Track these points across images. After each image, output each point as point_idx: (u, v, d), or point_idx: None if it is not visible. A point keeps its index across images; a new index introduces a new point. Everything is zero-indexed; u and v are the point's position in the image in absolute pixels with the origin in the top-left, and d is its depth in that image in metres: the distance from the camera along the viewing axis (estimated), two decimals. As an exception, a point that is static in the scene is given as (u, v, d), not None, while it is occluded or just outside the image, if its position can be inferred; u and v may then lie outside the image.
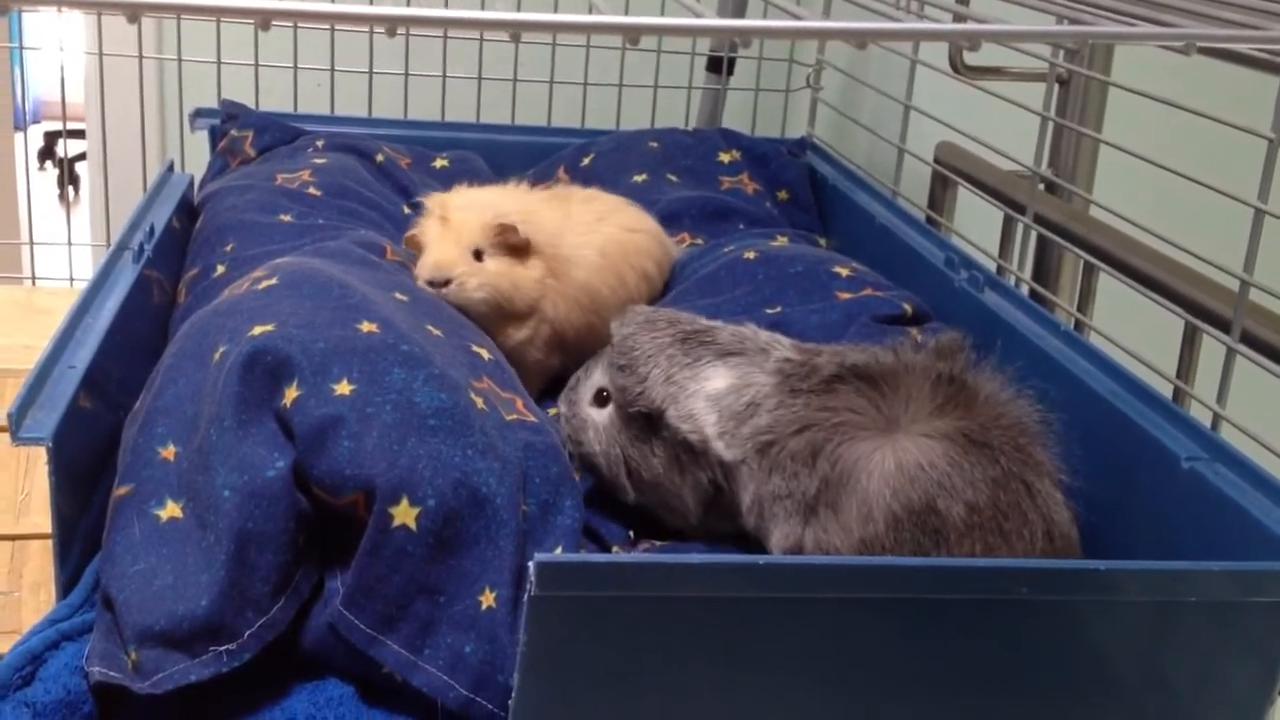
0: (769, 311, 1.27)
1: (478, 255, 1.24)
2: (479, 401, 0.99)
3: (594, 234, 1.35)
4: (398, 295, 1.12)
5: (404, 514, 0.89)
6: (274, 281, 1.08)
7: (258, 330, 0.98)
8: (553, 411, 1.17)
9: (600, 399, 1.08)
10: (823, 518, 0.93)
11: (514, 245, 1.26)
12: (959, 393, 0.95)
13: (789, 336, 1.13)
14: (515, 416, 1.03)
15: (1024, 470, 0.92)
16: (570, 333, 1.29)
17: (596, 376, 1.09)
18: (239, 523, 0.88)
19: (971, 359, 0.99)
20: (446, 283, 1.22)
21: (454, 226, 1.25)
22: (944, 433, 0.92)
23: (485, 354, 1.11)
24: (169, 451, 0.95)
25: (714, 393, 1.00)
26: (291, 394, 0.94)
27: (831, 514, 0.92)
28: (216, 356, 0.98)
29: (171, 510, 0.92)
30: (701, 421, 1.00)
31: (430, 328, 1.08)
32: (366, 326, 1.01)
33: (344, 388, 0.94)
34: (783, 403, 0.98)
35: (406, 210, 1.51)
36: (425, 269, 1.23)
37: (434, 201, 1.30)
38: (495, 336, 1.22)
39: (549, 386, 1.31)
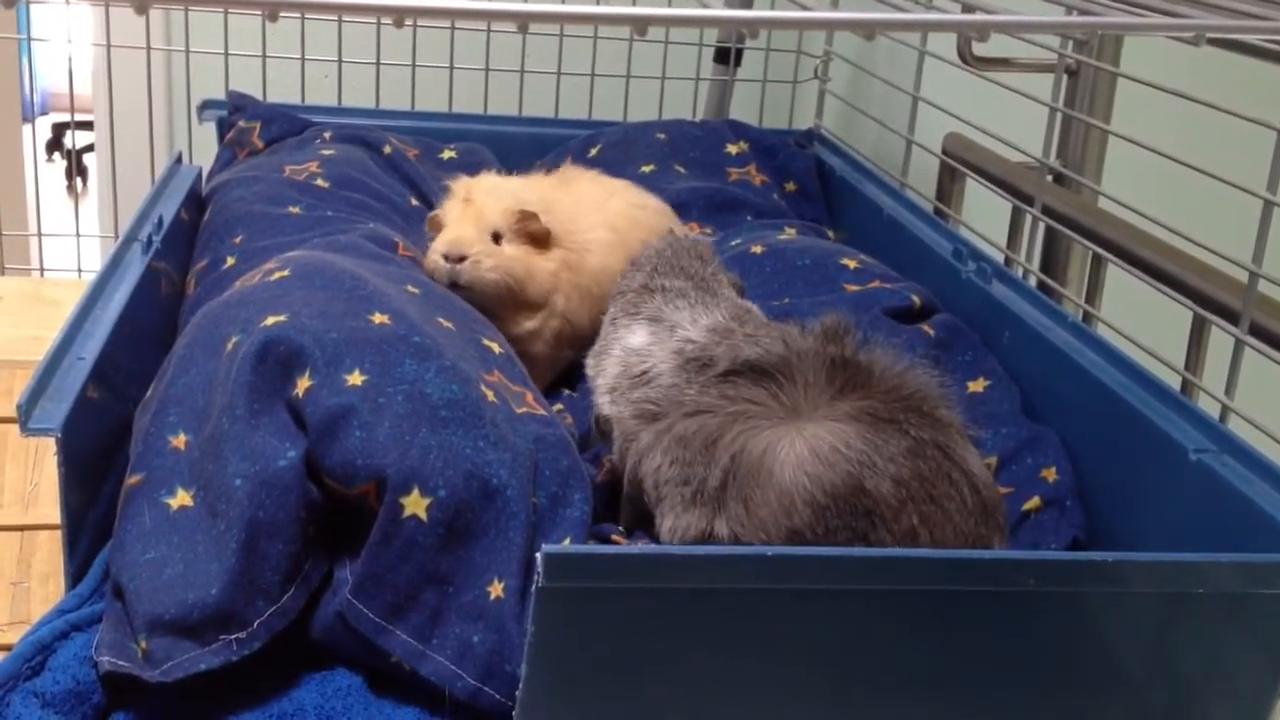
0: (776, 303, 1.27)
1: (496, 239, 1.24)
2: (490, 394, 0.99)
3: (603, 211, 1.35)
4: (409, 288, 1.13)
5: (415, 504, 0.89)
6: (286, 273, 1.09)
7: (270, 320, 0.98)
8: (557, 408, 1.18)
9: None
10: (734, 511, 0.91)
11: (534, 233, 1.26)
12: (855, 374, 0.94)
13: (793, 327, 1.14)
14: (525, 409, 1.03)
15: (935, 434, 0.91)
16: (579, 326, 1.30)
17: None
18: (250, 512, 0.89)
19: (858, 338, 0.98)
20: (461, 259, 1.22)
21: (475, 208, 1.25)
22: (848, 414, 0.91)
23: (496, 347, 1.12)
24: (180, 440, 0.95)
25: (629, 347, 1.02)
26: (304, 384, 0.94)
27: (743, 508, 0.90)
28: (229, 346, 0.99)
29: (182, 499, 0.92)
30: (603, 371, 1.03)
31: (442, 320, 1.08)
32: (378, 318, 1.01)
33: (356, 378, 0.94)
34: (676, 384, 0.99)
35: (414, 202, 1.51)
36: (442, 244, 1.23)
37: (460, 184, 1.31)
38: (504, 324, 1.23)
39: (556, 379, 1.31)
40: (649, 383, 1.00)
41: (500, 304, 1.24)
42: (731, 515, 0.91)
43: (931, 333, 1.22)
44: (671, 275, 1.10)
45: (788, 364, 0.95)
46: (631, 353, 1.03)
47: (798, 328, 1.01)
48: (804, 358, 0.95)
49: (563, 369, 1.31)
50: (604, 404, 1.03)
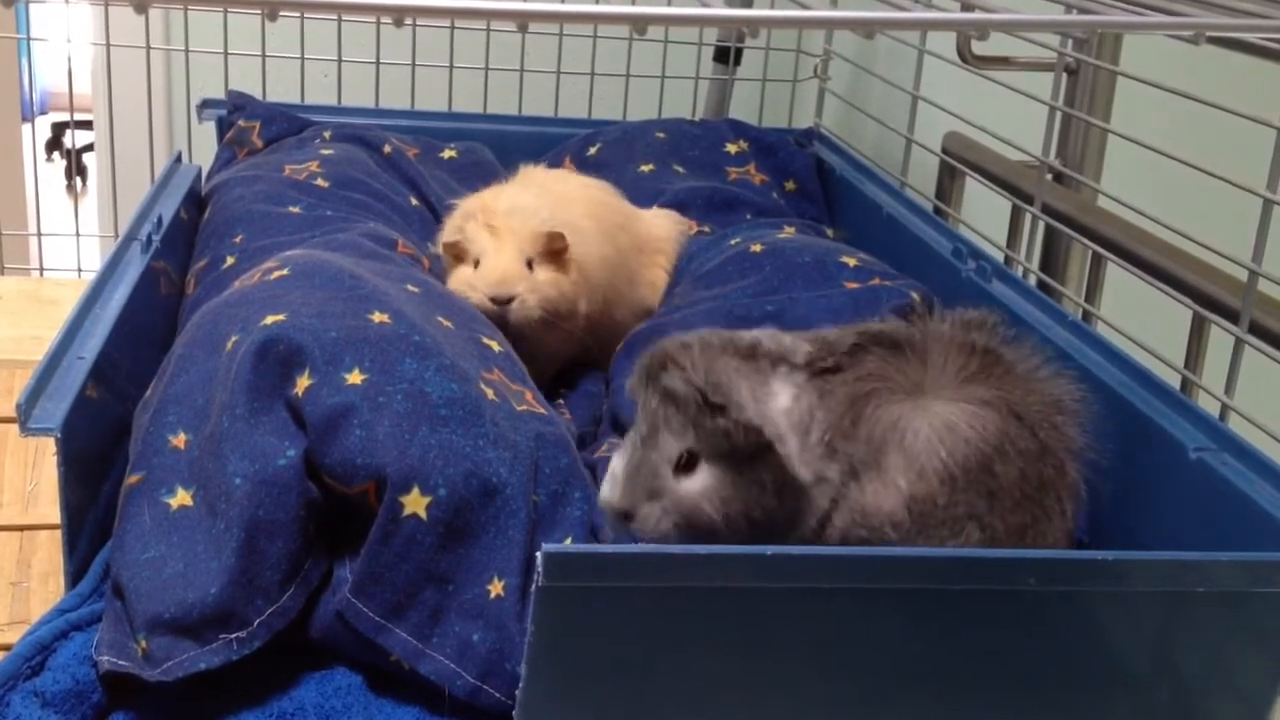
0: (775, 299, 1.27)
1: (529, 264, 1.24)
2: (490, 392, 0.99)
3: (574, 203, 1.35)
4: (409, 287, 1.13)
5: (415, 503, 0.89)
6: (285, 272, 1.09)
7: (270, 319, 0.98)
8: (557, 402, 1.17)
9: (685, 465, 0.89)
10: (864, 480, 0.89)
11: (557, 250, 1.25)
12: (993, 364, 0.93)
13: (794, 323, 1.13)
14: (525, 407, 1.03)
15: (1058, 448, 0.90)
16: (592, 317, 1.31)
17: (667, 446, 0.89)
18: (250, 511, 0.89)
19: (1004, 334, 0.96)
20: (510, 300, 1.21)
21: (505, 236, 1.23)
22: (982, 399, 0.90)
23: (495, 345, 1.12)
24: (179, 439, 0.95)
25: (784, 408, 0.90)
26: (303, 383, 0.94)
27: (874, 474, 0.88)
28: (229, 345, 0.99)
29: (182, 498, 0.92)
30: (790, 448, 0.89)
31: (441, 319, 1.08)
32: (378, 317, 1.01)
33: (356, 377, 0.94)
34: (823, 391, 0.92)
35: (414, 202, 1.51)
36: (488, 285, 1.22)
37: (474, 205, 1.29)
38: (535, 345, 1.23)
39: (556, 378, 1.32)
40: (813, 419, 0.90)
41: (539, 331, 1.24)
42: (861, 484, 0.89)
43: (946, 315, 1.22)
44: (730, 340, 0.95)
45: (919, 341, 0.93)
46: (790, 408, 0.90)
47: (924, 313, 0.99)
48: (939, 339, 0.93)
49: (569, 361, 1.33)
50: (798, 470, 0.89)
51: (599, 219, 1.35)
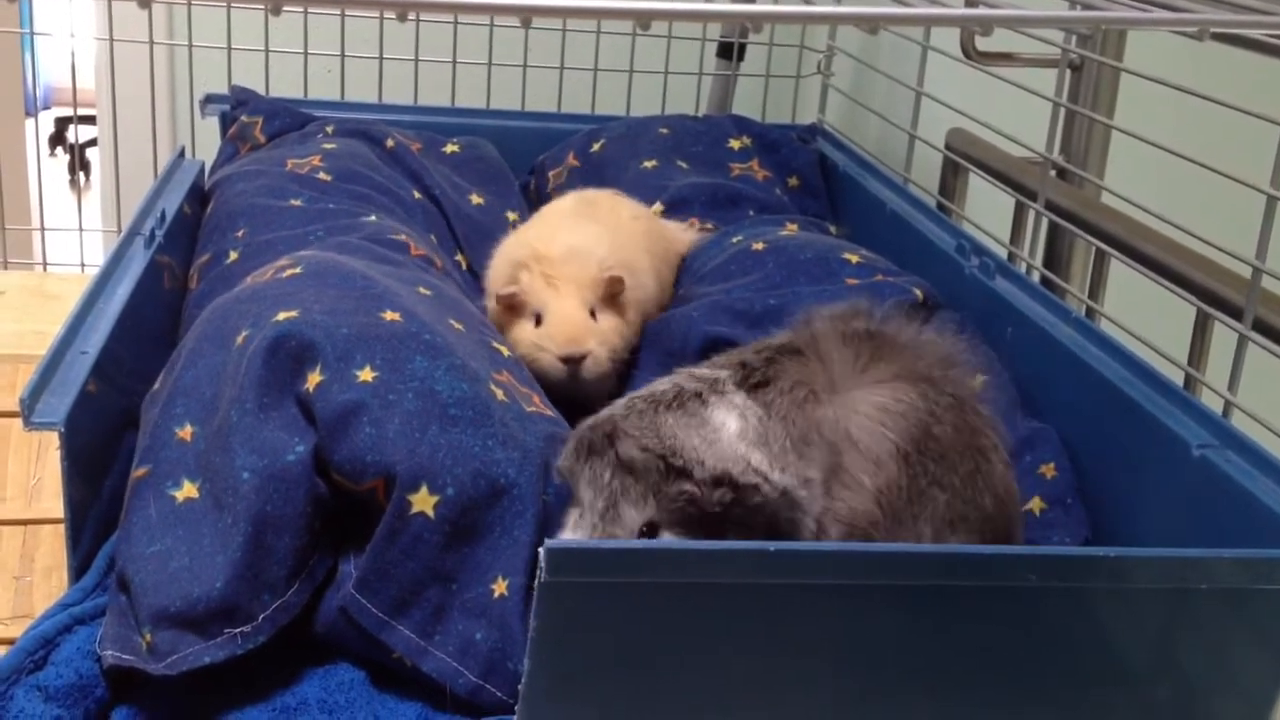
0: (778, 296, 1.27)
1: (591, 314, 1.20)
2: (499, 393, 0.99)
3: (636, 237, 1.32)
4: (421, 289, 1.13)
5: (422, 501, 0.89)
6: (298, 270, 1.09)
7: (282, 315, 0.98)
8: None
9: (647, 536, 0.88)
10: (833, 488, 0.90)
11: (616, 293, 1.22)
12: (882, 344, 0.96)
13: (798, 314, 1.13)
14: (534, 409, 1.03)
15: (967, 396, 0.95)
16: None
17: (629, 519, 0.88)
18: (257, 505, 0.89)
19: (876, 314, 0.99)
20: (583, 358, 1.17)
21: (564, 286, 1.19)
22: (894, 375, 0.93)
23: (505, 350, 1.12)
24: (186, 432, 0.95)
25: (737, 431, 0.90)
26: (314, 379, 0.94)
27: (839, 478, 0.90)
28: (239, 340, 0.99)
29: (188, 491, 0.92)
30: (759, 464, 0.89)
31: (453, 322, 1.08)
32: (389, 315, 1.01)
33: (366, 374, 0.94)
34: (765, 404, 0.93)
35: (416, 195, 1.50)
36: (559, 345, 1.17)
37: (523, 253, 1.23)
38: (588, 385, 1.19)
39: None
40: (767, 429, 0.91)
41: (604, 380, 1.20)
42: (831, 493, 0.90)
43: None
44: (654, 399, 0.93)
45: (811, 344, 0.95)
46: (743, 430, 0.91)
47: (800, 318, 1.01)
48: (826, 337, 0.96)
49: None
50: (780, 479, 0.89)
51: (651, 252, 1.32)
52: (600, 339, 1.19)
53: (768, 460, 0.89)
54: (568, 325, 1.18)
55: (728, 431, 0.90)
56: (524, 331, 1.20)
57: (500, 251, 1.31)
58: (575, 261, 1.21)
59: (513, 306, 1.22)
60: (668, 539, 0.87)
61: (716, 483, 0.86)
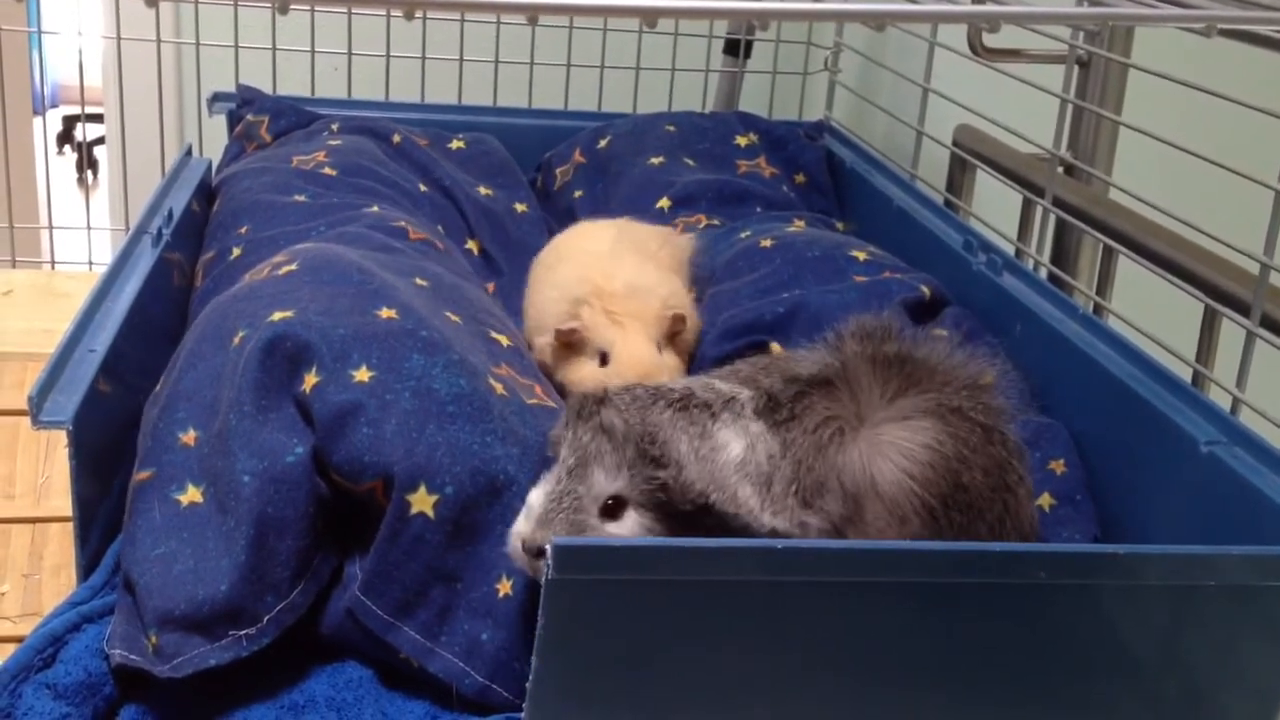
0: (786, 295, 1.27)
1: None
2: (499, 387, 0.99)
3: (673, 267, 1.31)
4: (418, 280, 1.13)
5: (422, 501, 0.89)
6: (294, 267, 1.09)
7: (277, 316, 0.98)
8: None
9: (612, 509, 0.86)
10: (849, 535, 0.88)
11: (677, 332, 1.20)
12: (913, 369, 0.93)
13: (806, 320, 1.13)
14: (535, 401, 1.03)
15: (996, 421, 0.92)
16: None
17: (597, 483, 0.86)
18: (259, 508, 0.89)
19: (904, 334, 0.97)
20: None
21: (630, 324, 1.16)
22: (922, 411, 0.90)
23: (505, 340, 1.11)
24: (189, 436, 0.95)
25: (737, 460, 0.88)
26: (311, 380, 0.94)
27: (858, 528, 0.87)
28: (236, 341, 0.99)
29: (192, 495, 0.92)
30: (745, 500, 0.87)
31: (450, 314, 1.08)
32: (386, 312, 1.01)
33: (363, 374, 0.94)
34: (786, 442, 0.90)
35: (423, 188, 1.50)
36: (632, 379, 1.12)
37: (582, 288, 1.20)
38: None
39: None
40: (776, 466, 0.89)
41: None
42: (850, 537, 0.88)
43: (944, 333, 1.22)
44: (663, 394, 0.92)
45: (842, 372, 0.92)
46: (746, 459, 0.89)
47: (831, 337, 0.98)
48: (857, 363, 0.93)
49: None
50: (770, 521, 0.88)
51: (684, 277, 1.32)
52: (670, 378, 1.15)
53: (759, 500, 0.87)
54: (641, 364, 1.14)
55: (727, 456, 0.88)
56: (586, 370, 1.17)
57: (548, 286, 1.26)
58: (638, 298, 1.18)
59: (572, 344, 1.18)
60: (631, 527, 0.85)
61: (690, 493, 0.85)
